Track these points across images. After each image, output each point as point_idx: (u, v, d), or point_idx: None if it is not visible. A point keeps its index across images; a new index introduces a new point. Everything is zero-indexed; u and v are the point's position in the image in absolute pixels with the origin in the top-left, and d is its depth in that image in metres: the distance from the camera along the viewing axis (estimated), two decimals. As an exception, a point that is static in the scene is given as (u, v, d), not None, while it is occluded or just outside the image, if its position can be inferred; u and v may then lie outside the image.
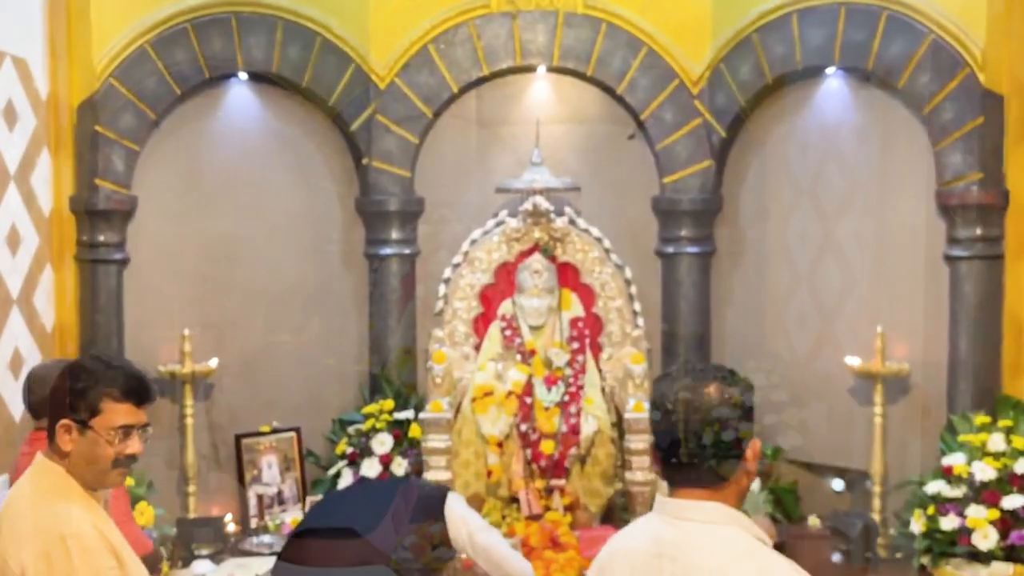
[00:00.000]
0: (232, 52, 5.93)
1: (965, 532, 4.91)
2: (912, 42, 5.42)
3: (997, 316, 5.35)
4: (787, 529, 5.65)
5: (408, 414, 5.95)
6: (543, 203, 5.97)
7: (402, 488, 5.14)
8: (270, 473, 6.04)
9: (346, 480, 5.85)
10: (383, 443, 5.86)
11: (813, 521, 5.83)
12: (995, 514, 4.89)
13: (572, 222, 6.05)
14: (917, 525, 5.08)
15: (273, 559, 4.72)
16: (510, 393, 5.75)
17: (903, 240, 5.63)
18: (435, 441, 5.59)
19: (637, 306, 6.02)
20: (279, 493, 6.05)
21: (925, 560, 5.05)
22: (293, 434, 6.15)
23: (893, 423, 5.51)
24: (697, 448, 2.27)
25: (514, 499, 5.70)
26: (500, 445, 5.71)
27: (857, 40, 5.60)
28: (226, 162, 6.09)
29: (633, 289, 6.03)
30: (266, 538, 5.69)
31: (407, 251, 6.35)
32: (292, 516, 5.79)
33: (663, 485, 6.04)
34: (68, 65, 5.53)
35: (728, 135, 6.19)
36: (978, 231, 5.34)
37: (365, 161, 6.27)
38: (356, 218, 6.38)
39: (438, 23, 6.26)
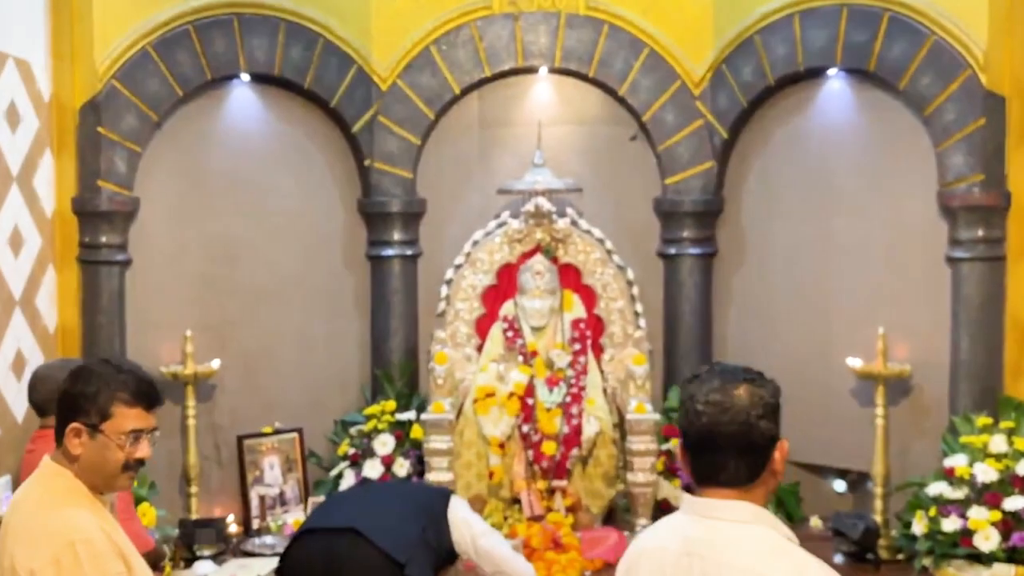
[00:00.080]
0: (234, 53, 5.93)
1: (967, 534, 4.91)
2: (914, 43, 5.43)
3: (999, 317, 5.36)
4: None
5: (410, 415, 5.95)
6: (545, 204, 5.97)
7: (404, 490, 5.17)
8: (272, 474, 6.04)
9: (348, 481, 5.85)
10: (385, 444, 5.86)
11: (815, 522, 5.84)
12: (997, 516, 4.89)
13: (574, 223, 6.05)
14: (919, 526, 5.08)
15: (275, 560, 4.73)
16: (512, 394, 5.75)
17: (905, 241, 5.64)
18: (437, 442, 5.59)
19: (639, 307, 6.02)
20: (281, 494, 6.05)
21: (927, 562, 5.05)
22: (295, 435, 6.15)
23: (895, 424, 5.51)
24: (727, 449, 2.28)
25: (516, 500, 5.71)
26: (502, 446, 5.72)
27: (859, 41, 5.61)
28: (228, 163, 6.09)
29: (635, 290, 6.03)
30: (268, 539, 5.69)
31: (409, 252, 6.35)
32: (294, 517, 5.79)
33: (665, 485, 6.06)
34: (70, 67, 5.53)
35: (730, 136, 6.20)
36: (980, 232, 5.35)
37: (367, 162, 6.27)
38: (358, 219, 6.38)
39: (440, 24, 6.26)
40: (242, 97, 6.12)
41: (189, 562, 5.34)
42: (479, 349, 5.97)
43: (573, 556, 5.30)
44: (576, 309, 6.00)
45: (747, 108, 6.10)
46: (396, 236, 6.32)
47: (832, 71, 5.83)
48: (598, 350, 5.97)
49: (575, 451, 5.72)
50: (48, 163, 5.46)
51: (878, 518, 5.43)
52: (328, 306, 6.35)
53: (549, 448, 5.69)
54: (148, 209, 5.79)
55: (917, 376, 5.54)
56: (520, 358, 5.87)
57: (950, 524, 4.95)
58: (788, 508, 5.86)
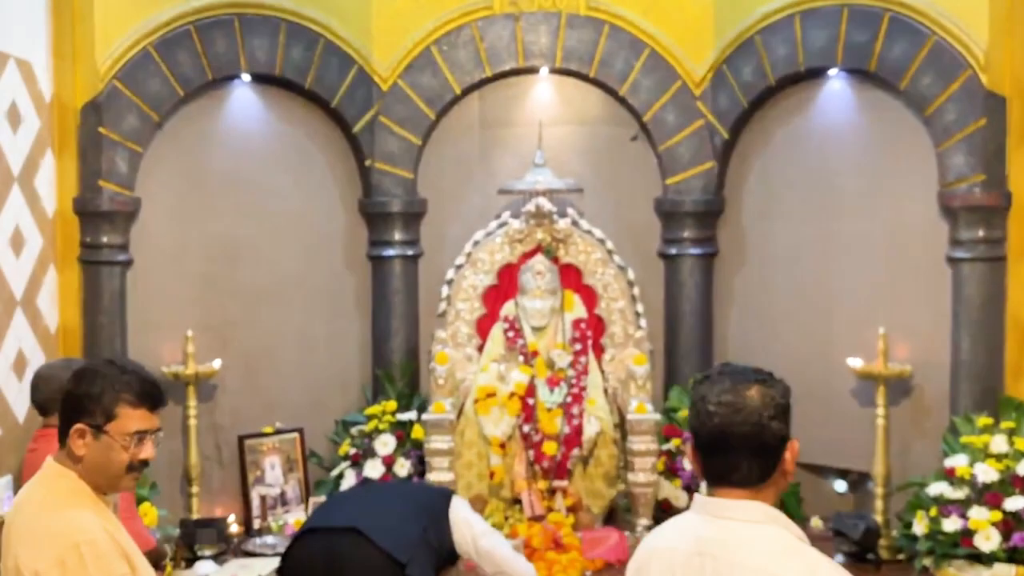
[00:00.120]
0: (235, 54, 5.94)
1: (967, 534, 4.92)
2: (914, 43, 5.43)
3: (999, 318, 5.36)
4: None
5: (411, 415, 5.95)
6: (546, 204, 5.98)
7: (405, 490, 5.17)
8: (273, 474, 6.05)
9: (349, 481, 5.85)
10: (386, 444, 5.86)
11: (815, 522, 5.84)
12: (997, 516, 4.89)
13: (575, 223, 6.05)
14: (919, 527, 5.08)
15: (276, 560, 4.73)
16: (513, 394, 5.76)
17: (905, 241, 5.64)
18: (438, 442, 5.60)
19: (640, 307, 6.02)
20: (282, 494, 6.06)
21: (927, 562, 5.05)
22: (296, 435, 6.16)
23: (895, 424, 5.51)
24: (740, 449, 2.29)
25: (517, 500, 5.72)
26: (503, 446, 5.72)
27: (859, 41, 5.61)
28: (229, 164, 6.09)
29: (635, 290, 6.04)
30: (269, 539, 5.69)
31: (410, 252, 6.35)
32: (295, 517, 5.79)
33: (665, 485, 6.06)
34: (72, 67, 5.53)
35: (731, 136, 6.20)
36: (980, 233, 5.35)
37: (368, 162, 6.28)
38: (359, 219, 6.38)
39: (441, 24, 6.26)
40: (243, 97, 6.12)
41: (190, 562, 5.34)
42: (480, 349, 5.97)
43: (574, 556, 5.30)
44: (577, 309, 6.00)
45: (748, 108, 6.11)
46: (397, 236, 6.32)
47: (833, 71, 5.83)
48: (599, 350, 5.98)
49: (576, 451, 5.73)
50: (49, 163, 5.46)
51: (879, 518, 5.43)
52: (329, 306, 6.35)
53: (550, 448, 5.69)
54: (149, 209, 5.80)
55: (918, 376, 5.54)
56: (521, 358, 5.87)
57: (951, 524, 4.96)
58: (789, 508, 5.84)
